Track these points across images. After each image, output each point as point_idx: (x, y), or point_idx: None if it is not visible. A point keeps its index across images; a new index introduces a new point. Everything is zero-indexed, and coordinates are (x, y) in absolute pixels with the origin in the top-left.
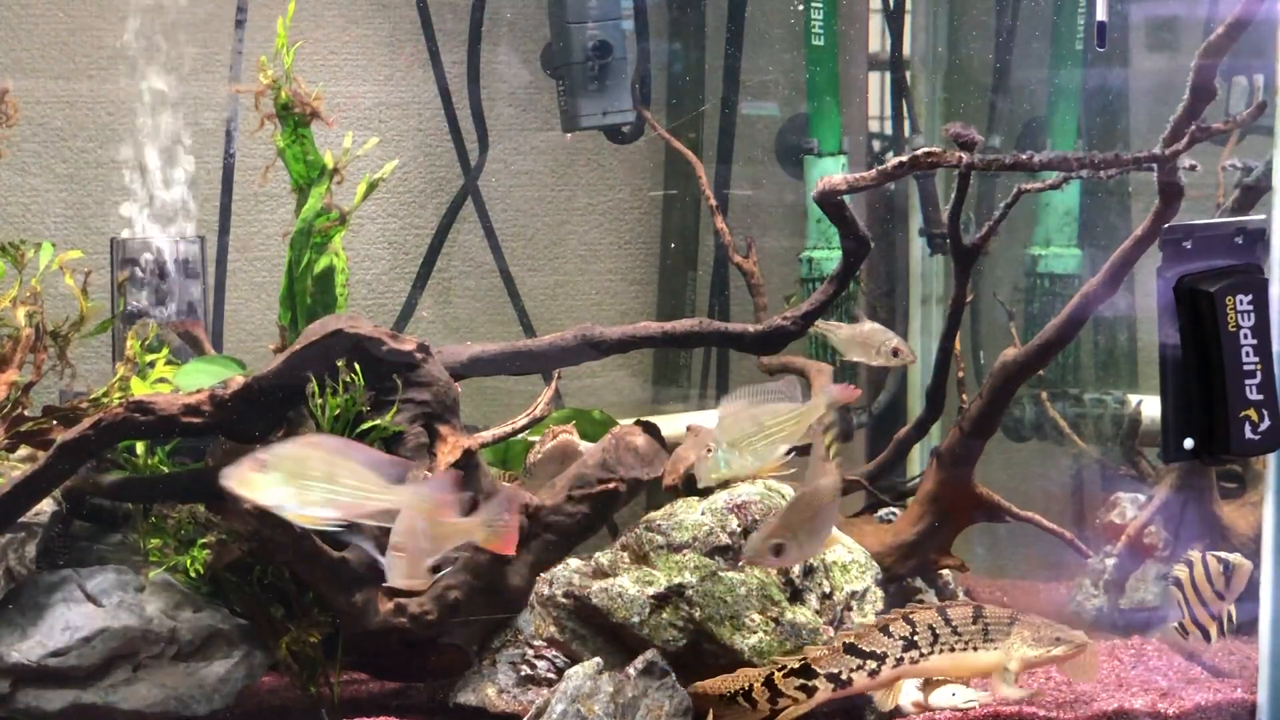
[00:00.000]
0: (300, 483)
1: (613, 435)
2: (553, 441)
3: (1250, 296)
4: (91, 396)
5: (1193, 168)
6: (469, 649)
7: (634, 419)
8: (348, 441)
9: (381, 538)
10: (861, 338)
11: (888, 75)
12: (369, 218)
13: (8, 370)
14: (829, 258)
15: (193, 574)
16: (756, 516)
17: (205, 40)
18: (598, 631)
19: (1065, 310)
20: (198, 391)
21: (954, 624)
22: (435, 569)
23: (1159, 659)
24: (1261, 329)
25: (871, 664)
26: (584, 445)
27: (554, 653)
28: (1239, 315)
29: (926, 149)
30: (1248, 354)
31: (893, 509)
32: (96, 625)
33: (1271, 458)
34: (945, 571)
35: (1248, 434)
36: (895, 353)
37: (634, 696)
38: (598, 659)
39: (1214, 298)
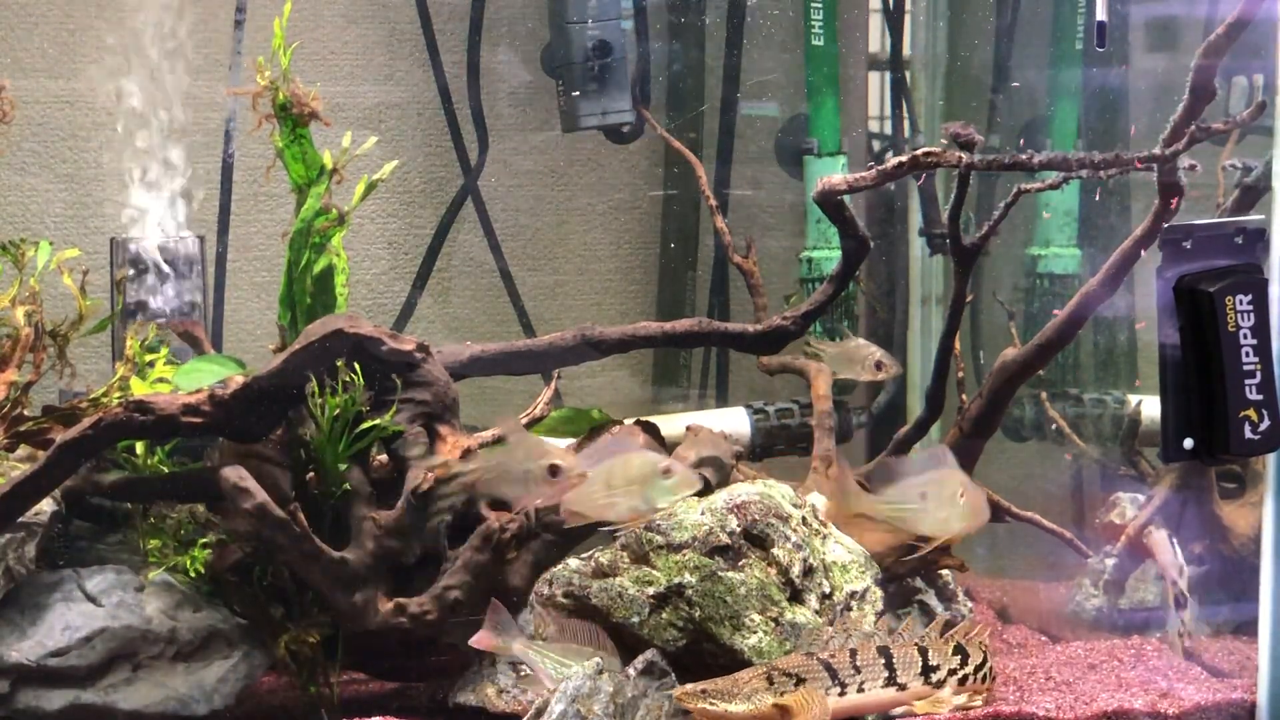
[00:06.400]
0: None
1: (612, 435)
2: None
3: (1250, 296)
4: (91, 396)
5: (1192, 168)
6: (469, 649)
7: (634, 419)
8: None
9: None
10: (848, 354)
11: (888, 75)
12: (369, 218)
13: (7, 370)
14: (829, 258)
15: (192, 574)
16: (756, 516)
17: (205, 40)
18: None
19: (1065, 310)
20: (197, 391)
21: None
22: None
23: (1159, 659)
24: (1261, 329)
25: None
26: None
27: None
28: (1239, 315)
29: (926, 149)
30: (1247, 354)
31: None
32: (96, 625)
33: (1271, 458)
34: (945, 571)
35: (1247, 434)
36: (879, 366)
37: (634, 696)
38: (597, 659)
39: (1214, 298)
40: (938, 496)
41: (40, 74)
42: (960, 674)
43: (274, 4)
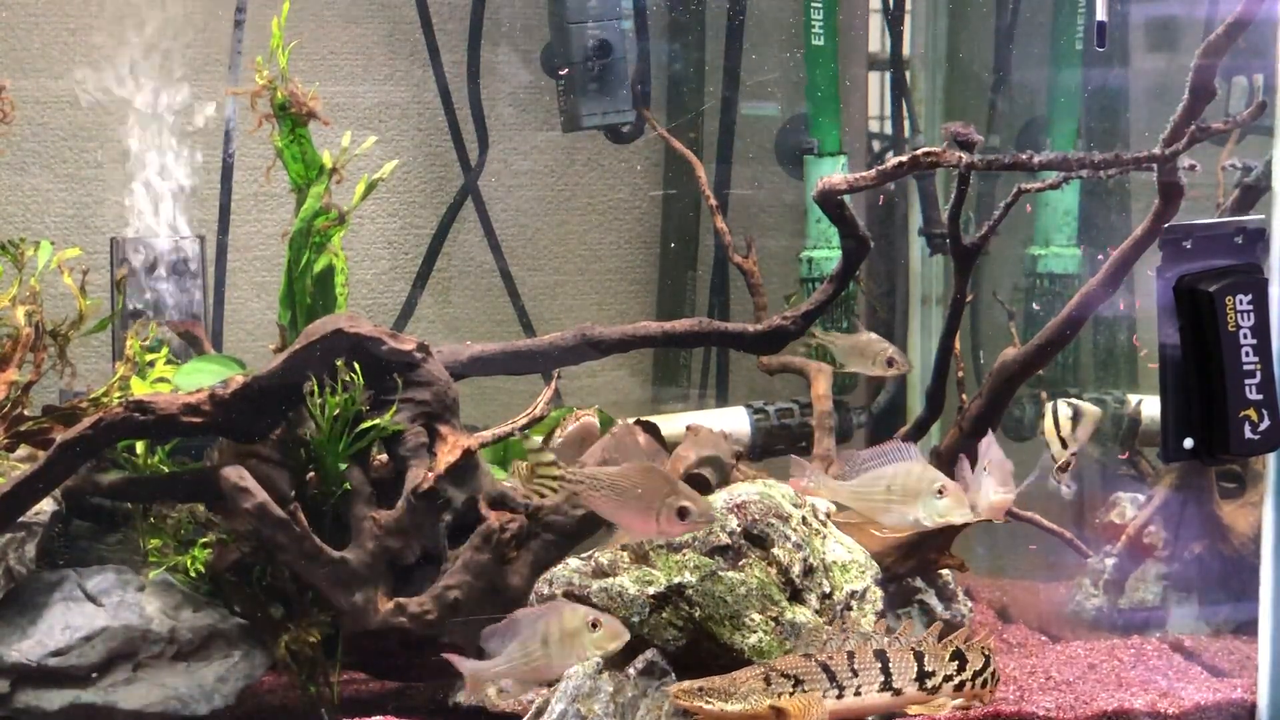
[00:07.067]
0: None
1: (613, 435)
2: (574, 425)
3: (1250, 296)
4: (91, 396)
5: (1192, 168)
6: (468, 649)
7: (634, 419)
8: None
9: None
10: (859, 347)
11: (888, 75)
12: (369, 217)
13: (7, 370)
14: (829, 258)
15: (192, 574)
16: (756, 516)
17: (205, 40)
18: None
19: (1065, 310)
20: (198, 391)
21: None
22: None
23: (1159, 659)
24: (1261, 329)
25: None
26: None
27: None
28: (1239, 315)
29: (926, 149)
30: (1247, 354)
31: None
32: (96, 625)
33: (1271, 458)
34: (945, 571)
35: (1247, 434)
36: (890, 362)
37: (634, 696)
38: (597, 658)
39: (1214, 298)
40: (902, 489)
41: (40, 74)
42: (957, 680)
43: (274, 4)
